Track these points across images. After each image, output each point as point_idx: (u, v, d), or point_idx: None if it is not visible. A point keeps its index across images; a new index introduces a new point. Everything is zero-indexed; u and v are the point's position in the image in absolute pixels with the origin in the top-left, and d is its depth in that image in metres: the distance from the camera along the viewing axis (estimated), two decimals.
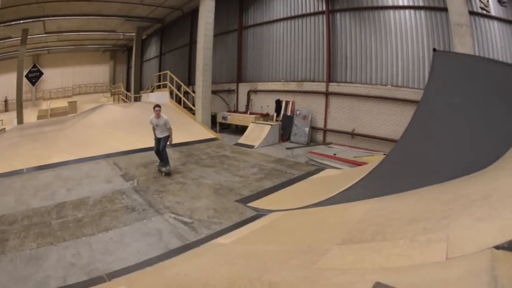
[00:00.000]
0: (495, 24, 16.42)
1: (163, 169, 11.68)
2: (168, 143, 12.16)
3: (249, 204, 8.22)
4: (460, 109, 7.61)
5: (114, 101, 39.53)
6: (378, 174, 7.84)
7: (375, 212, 6.03)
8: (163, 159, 11.92)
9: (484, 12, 15.88)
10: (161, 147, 11.84)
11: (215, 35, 22.13)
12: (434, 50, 8.94)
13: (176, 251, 5.81)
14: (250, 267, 4.80)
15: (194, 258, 5.49)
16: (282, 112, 20.83)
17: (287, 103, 20.96)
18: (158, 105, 11.94)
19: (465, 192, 5.68)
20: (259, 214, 7.57)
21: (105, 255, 5.66)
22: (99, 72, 47.90)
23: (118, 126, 16.74)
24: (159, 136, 11.96)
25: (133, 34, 34.79)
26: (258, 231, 6.48)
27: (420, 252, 4.06)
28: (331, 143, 18.23)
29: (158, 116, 11.73)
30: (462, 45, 13.58)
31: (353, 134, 18.09)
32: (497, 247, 3.47)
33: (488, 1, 15.85)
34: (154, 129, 12.03)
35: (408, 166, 7.50)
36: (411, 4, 17.07)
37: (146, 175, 10.88)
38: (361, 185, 7.55)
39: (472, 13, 15.71)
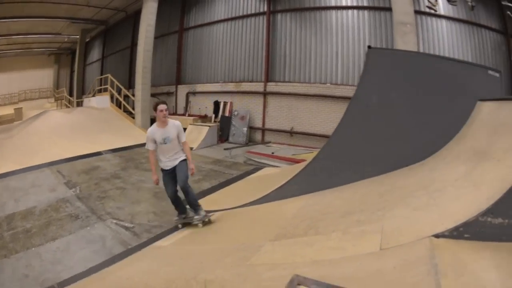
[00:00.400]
0: (443, 22, 17.52)
1: (196, 217, 7.30)
2: (189, 172, 7.36)
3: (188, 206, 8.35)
4: (396, 103, 8.04)
5: (57, 106, 38.34)
6: (312, 170, 8.14)
7: (309, 207, 6.29)
8: (190, 202, 7.38)
9: (432, 11, 16.68)
10: (180, 182, 7.15)
11: (156, 37, 22.33)
12: (369, 47, 9.39)
13: (119, 256, 5.94)
14: (187, 267, 4.95)
15: (136, 262, 5.63)
16: (220, 113, 21.19)
17: (225, 104, 21.31)
18: (163, 102, 7.22)
19: (403, 184, 6.10)
20: None
21: (54, 265, 5.76)
22: (44, 77, 46.41)
23: (61, 133, 16.58)
24: (170, 164, 7.30)
25: (78, 36, 34.15)
26: (196, 232, 6.76)
27: (353, 244, 4.31)
28: (269, 142, 18.71)
29: (165, 122, 7.23)
30: (405, 43, 14.09)
31: (291, 133, 18.55)
32: (437, 236, 3.75)
33: (436, 0, 16.65)
34: (153, 154, 7.31)
35: (343, 160, 7.76)
36: (354, 4, 17.68)
37: (87, 182, 10.71)
38: (296, 182, 7.79)
39: (419, 12, 16.75)
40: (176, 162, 7.37)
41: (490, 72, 8.86)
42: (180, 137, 7.44)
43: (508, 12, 17.81)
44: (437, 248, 3.50)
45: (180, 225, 7.44)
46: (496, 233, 3.62)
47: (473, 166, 5.15)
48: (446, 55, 16.94)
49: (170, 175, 7.32)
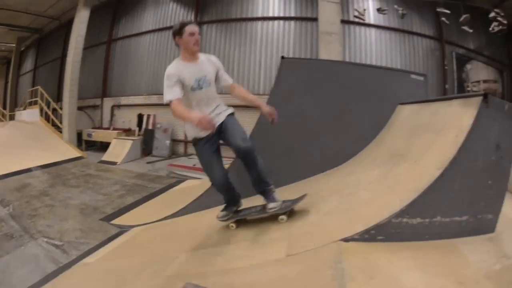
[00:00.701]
0: (373, 31, 19.18)
1: (272, 206, 5.34)
2: (271, 121, 5.49)
3: (112, 222, 8.61)
4: (311, 112, 8.34)
5: None
6: None
7: None
8: (260, 176, 5.42)
9: (361, 20, 18.01)
10: (242, 142, 5.19)
11: (86, 48, 22.33)
12: (282, 57, 9.53)
13: (52, 275, 6.12)
14: (110, 282, 5.14)
15: (67, 280, 5.82)
16: (144, 126, 21.44)
17: (148, 116, 21.55)
18: (191, 22, 5.18)
19: (316, 189, 6.26)
20: (122, 230, 7.96)
21: None
22: None
23: None
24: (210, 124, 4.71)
25: (14, 45, 33.38)
26: (120, 247, 6.88)
27: (261, 251, 4.46)
28: (191, 154, 18.89)
29: (196, 54, 5.25)
30: (329, 52, 15.25)
31: None
32: (346, 240, 3.88)
33: (364, 10, 17.86)
34: (181, 104, 4.95)
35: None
36: (281, 15, 18.68)
37: (19, 200, 10.85)
38: (212, 193, 7.44)
39: (347, 22, 18.28)
40: (221, 119, 5.34)
41: (413, 76, 9.34)
42: (222, 77, 5.55)
43: (443, 19, 19.02)
44: (345, 252, 3.66)
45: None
46: (417, 232, 3.82)
47: (388, 168, 5.42)
48: (374, 62, 18.31)
49: (213, 146, 5.38)
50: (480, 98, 4.25)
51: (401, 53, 20.18)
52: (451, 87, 21.66)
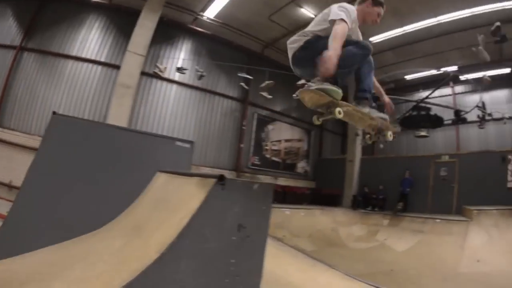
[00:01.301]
0: (174, 87, 22.23)
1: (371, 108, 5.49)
2: None
3: None
4: (73, 173, 8.32)
5: None
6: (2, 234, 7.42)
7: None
8: (370, 83, 5.51)
9: (159, 76, 20.52)
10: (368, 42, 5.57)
11: None
12: (54, 113, 9.16)
13: None
14: None
15: None
16: None
17: None
18: (384, 5, 5.44)
19: (73, 254, 5.87)
20: None
21: None
22: None
23: None
24: None
25: None
26: None
27: None
28: None
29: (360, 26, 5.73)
30: (120, 104, 17.13)
31: (10, 187, 18.22)
32: None
33: (165, 68, 20.40)
34: (342, 34, 4.92)
35: (27, 227, 7.49)
36: (93, 58, 19.88)
37: None
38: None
39: (151, 75, 20.51)
40: None
41: (178, 143, 10.04)
42: None
43: (242, 84, 22.75)
44: None
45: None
46: None
47: (126, 241, 5.38)
48: (169, 116, 21.42)
49: None
50: (214, 180, 4.30)
51: (199, 110, 23.24)
52: (247, 146, 25.29)
